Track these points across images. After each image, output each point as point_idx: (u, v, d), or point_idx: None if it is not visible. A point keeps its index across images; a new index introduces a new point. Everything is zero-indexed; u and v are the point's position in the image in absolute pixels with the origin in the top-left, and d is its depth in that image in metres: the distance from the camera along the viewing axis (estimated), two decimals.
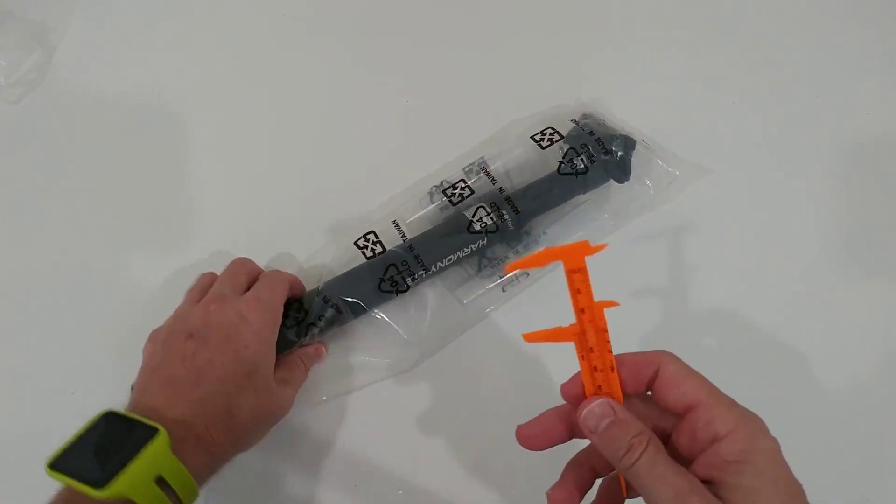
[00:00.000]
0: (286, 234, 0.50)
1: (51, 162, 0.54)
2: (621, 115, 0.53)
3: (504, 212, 0.46)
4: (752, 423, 0.28)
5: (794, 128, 0.54)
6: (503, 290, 0.46)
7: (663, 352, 0.30)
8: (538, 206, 0.47)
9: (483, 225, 0.45)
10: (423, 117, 0.54)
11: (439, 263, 0.45)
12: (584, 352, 0.30)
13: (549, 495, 0.31)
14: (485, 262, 0.46)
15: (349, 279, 0.45)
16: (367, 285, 0.44)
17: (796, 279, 0.49)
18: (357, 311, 0.44)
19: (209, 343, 0.38)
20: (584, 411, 0.29)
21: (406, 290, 0.44)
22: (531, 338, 0.30)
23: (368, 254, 0.45)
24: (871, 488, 0.43)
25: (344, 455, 0.44)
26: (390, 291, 0.44)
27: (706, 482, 0.27)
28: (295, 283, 0.45)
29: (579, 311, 0.29)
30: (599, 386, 0.30)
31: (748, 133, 0.53)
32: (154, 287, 0.49)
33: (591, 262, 0.29)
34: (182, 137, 0.54)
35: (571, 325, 0.30)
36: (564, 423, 0.31)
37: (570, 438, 0.31)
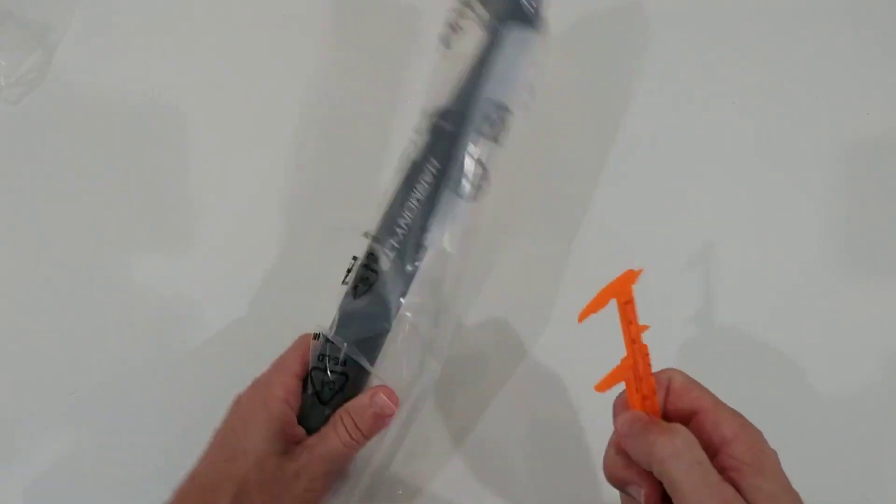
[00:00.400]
0: (286, 237, 0.50)
1: (51, 162, 0.54)
2: (616, 121, 0.53)
3: (436, 124, 0.41)
4: (751, 428, 0.29)
5: (794, 128, 0.54)
6: (475, 201, 0.40)
7: (671, 369, 0.32)
8: (464, 101, 0.41)
9: (414, 156, 0.41)
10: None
11: (400, 222, 0.39)
12: (637, 382, 0.30)
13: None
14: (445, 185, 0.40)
15: (337, 317, 0.40)
16: (347, 305, 0.40)
17: (796, 279, 0.49)
18: (349, 337, 0.39)
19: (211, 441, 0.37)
20: (619, 419, 0.31)
21: (377, 278, 0.39)
22: (603, 386, 0.31)
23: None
24: (871, 489, 0.43)
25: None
26: (366, 292, 0.39)
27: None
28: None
29: (631, 343, 0.30)
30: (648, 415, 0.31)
31: (748, 133, 0.53)
32: (154, 287, 0.49)
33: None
34: (183, 137, 0.54)
35: (624, 359, 0.30)
36: None
37: None
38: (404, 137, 0.53)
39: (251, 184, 0.53)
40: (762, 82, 0.55)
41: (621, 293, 0.29)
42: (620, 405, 0.32)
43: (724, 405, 0.30)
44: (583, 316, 0.29)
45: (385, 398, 0.38)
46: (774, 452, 0.28)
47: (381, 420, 0.38)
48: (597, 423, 0.34)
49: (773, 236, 0.50)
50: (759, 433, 0.29)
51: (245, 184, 0.53)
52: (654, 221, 0.50)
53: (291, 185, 0.52)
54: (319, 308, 0.42)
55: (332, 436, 0.37)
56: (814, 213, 0.51)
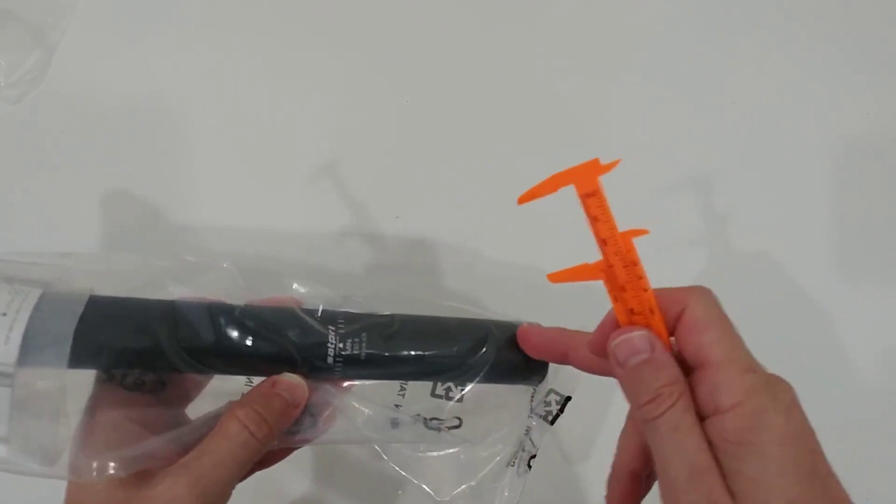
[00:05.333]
0: (286, 241, 0.50)
1: (51, 162, 0.54)
2: (616, 119, 0.53)
3: None
4: (763, 394, 0.23)
5: (794, 128, 0.54)
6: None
7: (696, 288, 0.26)
8: None
9: None
10: (425, 122, 0.54)
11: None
12: (616, 291, 0.26)
13: None
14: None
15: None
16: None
17: (796, 280, 0.49)
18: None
19: None
20: (618, 339, 0.25)
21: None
22: (556, 278, 0.26)
23: None
24: (871, 489, 0.43)
25: (343, 454, 0.44)
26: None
27: None
28: None
29: (602, 243, 0.25)
30: None
31: (748, 133, 0.53)
32: None
33: None
34: (183, 137, 0.54)
35: (598, 261, 0.26)
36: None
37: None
38: (407, 141, 0.54)
39: (252, 184, 0.53)
40: (762, 82, 0.55)
41: (582, 182, 0.24)
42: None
43: (737, 358, 0.24)
44: (524, 199, 0.24)
45: (290, 379, 0.30)
46: (784, 416, 0.23)
47: (292, 410, 0.30)
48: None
49: (773, 236, 0.50)
50: (766, 398, 0.23)
51: (246, 184, 0.53)
52: (653, 222, 0.50)
53: (294, 190, 0.52)
54: None
55: (220, 436, 0.28)
56: (814, 213, 0.51)
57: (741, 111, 0.54)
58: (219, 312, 0.30)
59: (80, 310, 0.28)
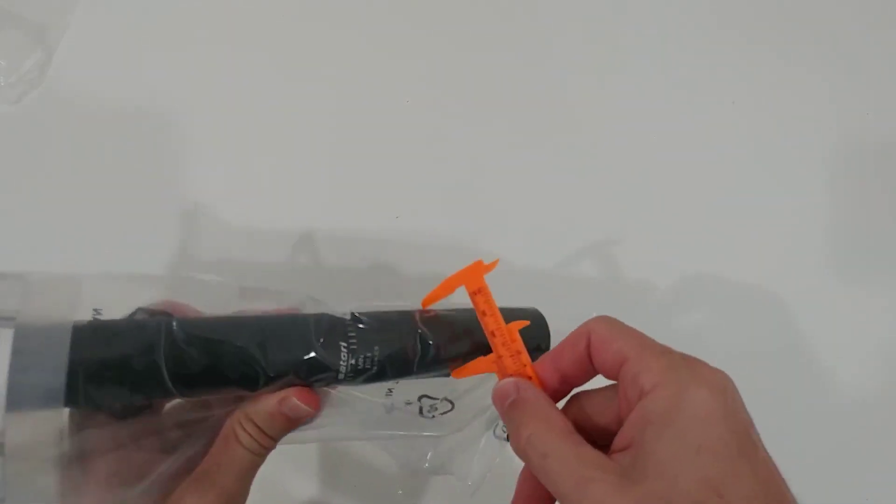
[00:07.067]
0: (286, 242, 0.50)
1: (51, 162, 0.54)
2: (616, 119, 0.53)
3: None
4: (681, 371, 0.23)
5: (795, 128, 0.54)
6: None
7: (593, 319, 0.27)
8: None
9: None
10: (425, 123, 0.54)
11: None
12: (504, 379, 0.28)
13: None
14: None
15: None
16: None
17: (797, 280, 0.49)
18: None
19: None
20: (494, 390, 0.27)
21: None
22: (458, 374, 0.29)
23: None
24: (871, 488, 0.43)
25: (343, 454, 0.44)
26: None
27: (627, 448, 0.23)
28: None
29: (490, 336, 0.28)
30: None
31: (748, 133, 0.53)
32: None
33: None
34: (183, 137, 0.54)
35: (490, 354, 0.29)
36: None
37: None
38: (409, 143, 0.54)
39: (250, 185, 0.53)
40: (762, 83, 0.55)
41: (470, 281, 0.28)
42: None
43: (651, 349, 0.25)
44: (426, 302, 0.28)
45: (299, 403, 0.29)
46: (707, 391, 0.22)
47: (295, 423, 0.29)
48: None
49: (773, 236, 0.50)
50: (685, 375, 0.23)
51: (247, 183, 0.53)
52: (653, 219, 0.50)
53: (292, 189, 0.52)
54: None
55: (235, 447, 0.28)
56: (814, 214, 0.51)
57: (741, 111, 0.54)
58: (220, 335, 0.28)
59: (67, 348, 0.24)
